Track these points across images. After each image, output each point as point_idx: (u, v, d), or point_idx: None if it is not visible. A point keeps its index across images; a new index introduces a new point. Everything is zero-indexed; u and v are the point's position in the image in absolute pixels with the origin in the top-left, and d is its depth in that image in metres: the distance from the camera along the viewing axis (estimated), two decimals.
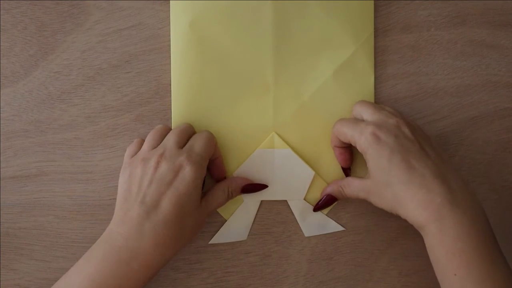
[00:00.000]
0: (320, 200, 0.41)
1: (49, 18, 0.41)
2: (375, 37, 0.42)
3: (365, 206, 0.42)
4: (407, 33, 0.43)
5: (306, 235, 0.42)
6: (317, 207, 0.41)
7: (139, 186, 0.35)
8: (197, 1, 0.41)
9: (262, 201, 0.42)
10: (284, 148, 0.41)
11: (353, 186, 0.38)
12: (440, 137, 0.43)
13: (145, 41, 0.42)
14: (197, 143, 0.36)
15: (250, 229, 0.42)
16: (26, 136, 0.41)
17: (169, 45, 0.41)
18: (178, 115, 0.41)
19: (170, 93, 0.41)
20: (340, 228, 0.42)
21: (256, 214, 0.42)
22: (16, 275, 0.41)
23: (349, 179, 0.39)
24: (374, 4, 0.42)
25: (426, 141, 0.36)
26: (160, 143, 0.37)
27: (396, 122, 0.36)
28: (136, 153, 0.38)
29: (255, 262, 0.42)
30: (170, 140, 0.37)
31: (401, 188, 0.33)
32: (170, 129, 0.39)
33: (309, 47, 0.41)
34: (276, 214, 0.42)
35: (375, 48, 0.42)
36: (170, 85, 0.41)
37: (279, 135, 0.41)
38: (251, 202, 0.41)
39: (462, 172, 0.43)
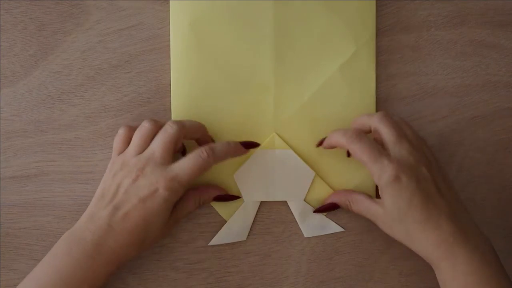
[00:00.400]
0: (324, 204, 0.41)
1: (49, 18, 0.41)
2: (375, 37, 0.42)
3: None
4: (407, 33, 0.43)
5: (305, 235, 0.42)
6: (318, 211, 0.41)
7: (116, 189, 0.36)
8: (197, 1, 0.41)
9: (262, 202, 0.42)
10: (284, 149, 0.41)
11: (362, 206, 0.38)
12: (440, 137, 0.43)
13: (145, 41, 0.42)
14: (184, 170, 0.36)
15: (250, 229, 0.42)
16: (26, 136, 0.41)
17: (169, 45, 0.41)
18: (178, 115, 0.41)
19: (170, 93, 0.41)
20: (340, 229, 0.42)
21: (256, 214, 0.42)
22: (16, 275, 0.41)
23: (360, 196, 0.39)
24: (375, 4, 0.42)
25: (441, 179, 0.36)
26: (148, 146, 0.37)
27: (416, 162, 0.36)
28: (124, 148, 0.38)
29: (255, 262, 0.42)
30: (156, 151, 0.36)
31: (416, 227, 0.35)
32: (161, 126, 0.37)
33: (310, 47, 0.41)
34: (276, 214, 0.42)
35: (376, 48, 0.42)
36: (170, 85, 0.41)
37: (279, 136, 0.41)
38: (250, 202, 0.41)
39: (462, 172, 0.43)
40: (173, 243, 0.42)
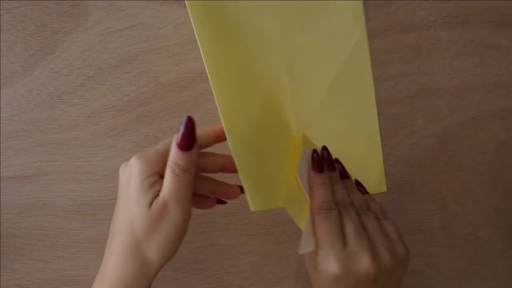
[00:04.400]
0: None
1: (49, 18, 0.41)
2: (375, 37, 0.42)
3: None
4: (407, 33, 0.43)
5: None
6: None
7: None
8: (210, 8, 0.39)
9: None
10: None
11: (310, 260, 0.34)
12: (440, 137, 0.43)
13: (145, 41, 0.42)
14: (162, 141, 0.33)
15: (250, 229, 0.42)
16: (26, 136, 0.41)
17: (169, 45, 0.41)
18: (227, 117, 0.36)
19: (170, 93, 0.41)
20: None
21: (256, 215, 0.42)
22: (16, 275, 0.41)
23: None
24: (375, 4, 0.42)
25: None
26: None
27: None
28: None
29: (255, 262, 0.42)
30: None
31: None
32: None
33: (311, 52, 0.41)
34: (276, 214, 0.42)
35: (376, 48, 0.42)
36: (170, 85, 0.41)
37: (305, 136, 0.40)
38: None
39: (462, 172, 0.43)
40: None
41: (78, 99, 0.42)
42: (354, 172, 0.39)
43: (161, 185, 0.31)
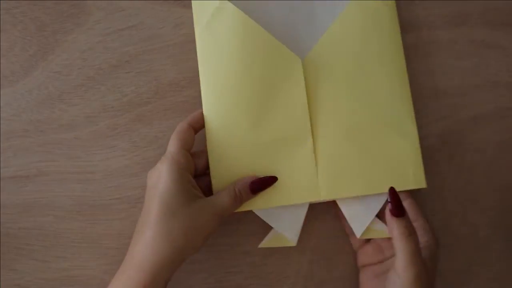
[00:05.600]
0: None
1: (49, 18, 0.41)
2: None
3: None
4: (407, 33, 0.43)
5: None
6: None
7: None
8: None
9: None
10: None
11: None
12: (440, 137, 0.43)
13: (145, 41, 0.42)
14: (169, 142, 0.37)
15: (250, 229, 0.42)
16: (26, 136, 0.41)
17: (169, 45, 0.41)
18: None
19: (170, 93, 0.42)
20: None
21: (256, 215, 0.42)
22: (16, 275, 0.41)
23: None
24: None
25: None
26: None
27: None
28: None
29: (255, 262, 0.42)
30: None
31: None
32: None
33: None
34: None
35: None
36: (170, 85, 0.42)
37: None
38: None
39: (462, 172, 0.43)
40: None
41: (78, 99, 0.42)
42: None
43: (193, 183, 0.36)
